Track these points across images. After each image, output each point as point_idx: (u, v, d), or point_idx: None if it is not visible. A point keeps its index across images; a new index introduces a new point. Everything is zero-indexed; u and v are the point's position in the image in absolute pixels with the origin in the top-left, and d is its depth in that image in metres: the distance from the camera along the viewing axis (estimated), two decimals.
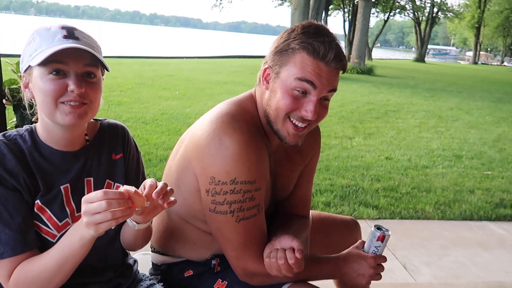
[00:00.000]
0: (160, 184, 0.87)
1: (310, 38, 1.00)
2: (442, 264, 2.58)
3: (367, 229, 3.06)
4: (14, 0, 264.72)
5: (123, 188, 0.84)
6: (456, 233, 3.07)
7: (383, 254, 1.11)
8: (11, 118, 1.59)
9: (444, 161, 4.89)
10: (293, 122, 1.04)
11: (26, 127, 1.02)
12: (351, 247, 1.13)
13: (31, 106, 1.00)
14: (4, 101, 1.42)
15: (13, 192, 0.93)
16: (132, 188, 0.84)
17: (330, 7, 27.78)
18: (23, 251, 0.92)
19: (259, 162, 1.04)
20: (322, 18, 20.12)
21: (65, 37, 0.93)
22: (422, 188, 3.88)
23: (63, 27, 0.95)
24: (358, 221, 3.25)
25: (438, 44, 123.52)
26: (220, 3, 24.32)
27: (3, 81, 1.51)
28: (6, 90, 1.44)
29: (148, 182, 0.87)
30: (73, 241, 0.87)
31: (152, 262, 1.29)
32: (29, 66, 0.93)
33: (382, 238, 1.08)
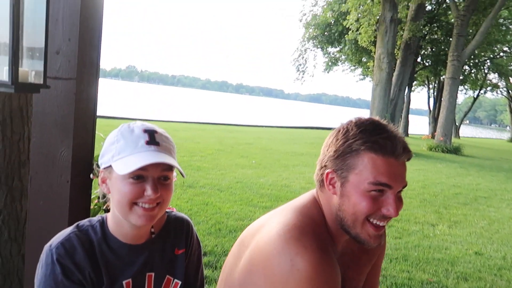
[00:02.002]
0: None
1: (372, 135, 0.98)
2: None
3: None
4: (123, 69, 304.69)
5: None
6: None
7: None
8: (96, 188, 1.72)
9: None
10: (373, 223, 1.00)
11: (98, 217, 1.06)
12: None
13: (104, 195, 1.06)
14: (91, 175, 1.54)
15: (78, 286, 0.95)
16: None
17: (414, 83, 27.39)
18: None
19: (335, 282, 0.97)
20: (406, 95, 19.82)
21: (148, 143, 0.97)
22: None
23: (145, 130, 0.99)
24: None
25: None
26: (302, 77, 25.36)
27: (94, 156, 1.65)
28: (94, 166, 1.58)
29: None
30: None
31: None
32: (110, 165, 0.98)
33: None
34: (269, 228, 1.03)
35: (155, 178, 0.96)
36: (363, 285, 1.21)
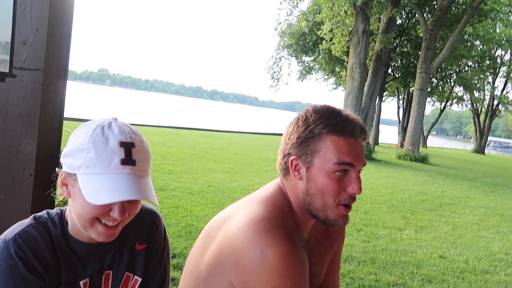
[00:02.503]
0: None
1: (331, 119, 1.02)
2: None
3: None
4: (94, 72, 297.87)
5: None
6: None
7: None
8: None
9: (508, 267, 4.38)
10: (343, 204, 1.03)
11: (57, 210, 0.99)
12: None
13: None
14: (56, 169, 1.50)
15: (40, 281, 0.88)
16: None
17: (385, 93, 28.16)
18: None
19: (304, 273, 0.99)
20: (376, 104, 20.34)
21: (123, 162, 0.86)
22: None
23: (122, 143, 0.87)
24: None
25: (499, 137, 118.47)
26: (277, 85, 25.58)
27: (60, 150, 1.61)
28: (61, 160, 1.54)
29: None
30: None
31: None
32: (75, 174, 0.89)
33: None
34: (237, 219, 1.03)
35: (124, 201, 0.89)
36: (330, 277, 1.24)
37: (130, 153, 0.87)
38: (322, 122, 1.02)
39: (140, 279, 1.04)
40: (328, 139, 1.01)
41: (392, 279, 3.58)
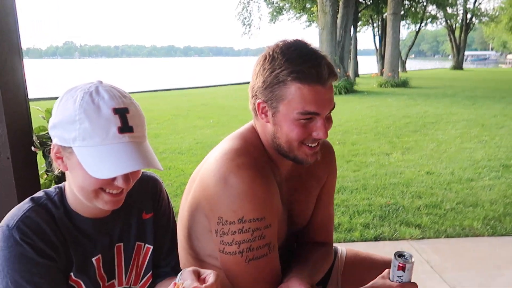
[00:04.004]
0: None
1: (297, 64, 0.96)
2: (496, 286, 2.38)
3: (410, 250, 2.89)
4: (60, 46, 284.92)
5: None
6: (510, 250, 2.84)
7: (412, 281, 1.03)
8: (41, 163, 1.66)
9: (491, 172, 4.60)
10: (308, 145, 1.04)
11: (55, 188, 0.95)
12: (378, 277, 1.06)
13: (50, 164, 0.96)
14: (32, 148, 1.48)
15: (52, 263, 0.88)
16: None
17: (359, 23, 27.65)
18: None
19: (268, 198, 1.02)
20: (352, 36, 20.03)
21: (121, 130, 0.83)
22: (468, 203, 3.65)
23: (115, 110, 0.83)
24: (400, 242, 3.09)
25: (476, 50, 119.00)
26: (249, 30, 24.88)
27: (33, 128, 1.58)
28: (34, 138, 1.51)
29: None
30: None
31: None
32: (70, 147, 0.84)
33: (403, 268, 1.01)
34: (210, 156, 1.08)
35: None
36: (317, 205, 1.27)
37: (126, 119, 0.83)
38: (287, 68, 0.97)
39: (151, 247, 1.05)
40: (293, 86, 0.97)
41: (384, 200, 3.75)
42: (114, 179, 0.85)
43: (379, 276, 1.06)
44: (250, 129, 1.13)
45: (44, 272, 0.85)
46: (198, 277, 0.87)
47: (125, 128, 0.83)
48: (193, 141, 6.57)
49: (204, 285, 0.83)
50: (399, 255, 1.03)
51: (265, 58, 1.02)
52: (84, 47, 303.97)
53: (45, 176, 1.84)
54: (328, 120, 1.04)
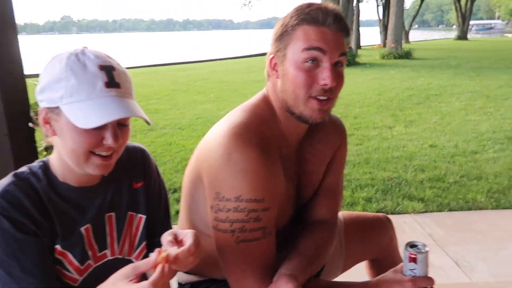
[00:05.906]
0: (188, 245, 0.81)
1: (305, 10, 0.99)
2: (500, 259, 2.38)
3: (412, 224, 2.91)
4: (57, 21, 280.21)
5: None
6: None
7: (429, 276, 0.95)
8: (39, 140, 1.63)
9: (495, 144, 4.56)
10: (316, 97, 0.99)
11: (39, 162, 0.94)
12: (389, 270, 1.01)
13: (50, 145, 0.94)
14: (30, 124, 1.44)
15: (33, 237, 0.86)
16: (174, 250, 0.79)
17: None
18: None
19: (270, 180, 0.98)
20: (354, 5, 19.58)
21: (107, 85, 0.84)
22: (472, 176, 3.63)
23: (101, 67, 0.85)
24: (403, 215, 3.10)
25: (481, 19, 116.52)
26: (249, 1, 24.33)
27: (30, 104, 1.54)
28: (32, 114, 1.47)
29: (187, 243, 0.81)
30: None
31: (178, 282, 1.26)
32: (58, 107, 0.84)
33: (415, 259, 0.92)
34: (216, 127, 1.05)
35: (114, 125, 0.86)
36: (326, 175, 1.23)
37: (112, 76, 0.85)
38: (295, 14, 0.99)
39: (144, 216, 1.04)
40: (299, 29, 0.98)
41: (387, 174, 3.73)
42: (103, 138, 0.85)
43: (391, 269, 1.01)
44: (262, 99, 1.09)
45: (25, 246, 0.85)
46: (176, 239, 0.84)
47: (111, 83, 0.85)
48: (194, 116, 6.52)
49: (181, 248, 0.79)
50: (411, 245, 0.95)
51: (281, 19, 1.04)
52: (82, 22, 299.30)
53: (44, 153, 1.81)
54: (338, 75, 1.00)
